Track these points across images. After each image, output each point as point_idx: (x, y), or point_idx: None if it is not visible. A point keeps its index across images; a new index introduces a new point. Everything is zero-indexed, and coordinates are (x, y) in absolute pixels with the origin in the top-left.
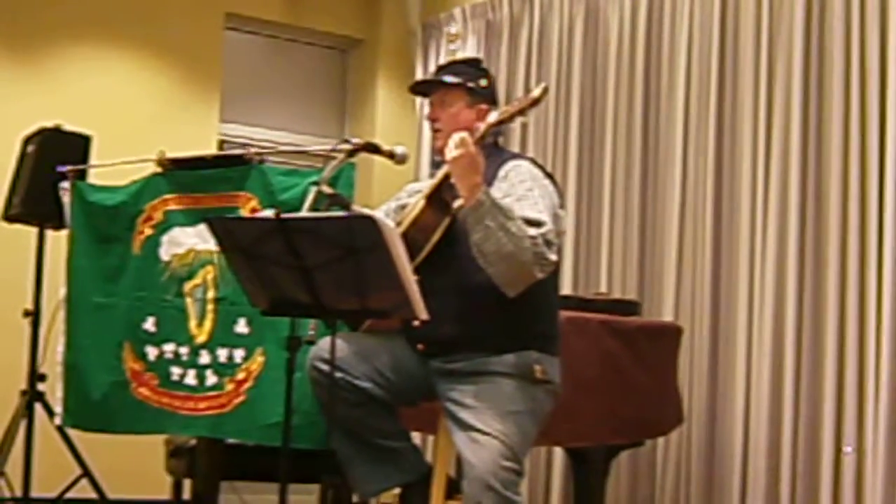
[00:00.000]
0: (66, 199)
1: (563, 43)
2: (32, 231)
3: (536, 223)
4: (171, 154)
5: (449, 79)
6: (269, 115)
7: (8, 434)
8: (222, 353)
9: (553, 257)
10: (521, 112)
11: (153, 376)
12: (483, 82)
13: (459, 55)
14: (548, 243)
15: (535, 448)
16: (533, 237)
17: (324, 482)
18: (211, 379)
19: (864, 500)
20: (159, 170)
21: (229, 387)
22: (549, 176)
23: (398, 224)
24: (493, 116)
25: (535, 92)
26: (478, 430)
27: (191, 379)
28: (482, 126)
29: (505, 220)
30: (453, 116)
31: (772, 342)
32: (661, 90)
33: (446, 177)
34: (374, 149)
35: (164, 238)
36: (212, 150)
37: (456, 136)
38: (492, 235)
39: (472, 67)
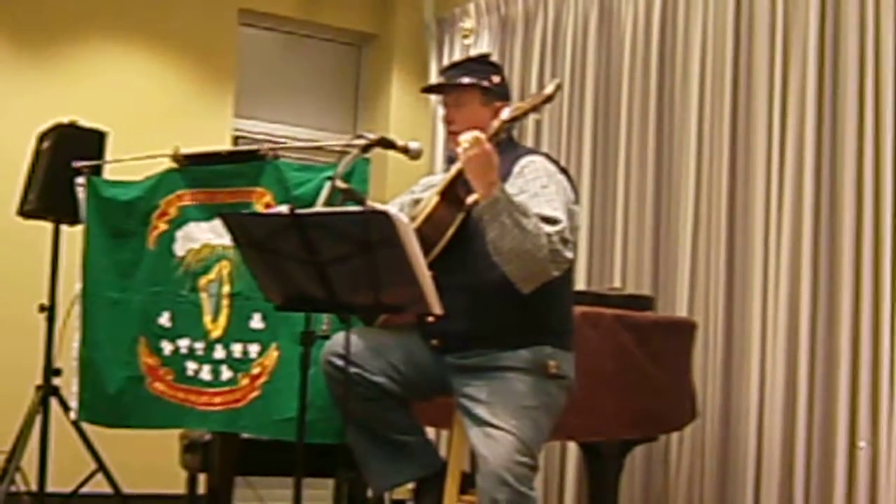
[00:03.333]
0: (81, 194)
1: (577, 38)
2: (48, 227)
3: (552, 221)
4: (185, 149)
5: (463, 80)
6: (284, 110)
7: (23, 429)
8: (237, 348)
9: (569, 255)
10: (535, 109)
11: (168, 371)
12: (496, 79)
13: (473, 51)
14: (564, 241)
15: (549, 443)
16: (549, 234)
17: (338, 477)
18: (226, 374)
19: (878, 495)
20: (174, 165)
21: (244, 382)
22: (564, 171)
23: (411, 220)
24: (505, 113)
25: (549, 89)
26: (492, 425)
27: (206, 374)
28: (495, 123)
29: (521, 218)
30: (469, 117)
31: (786, 337)
32: (675, 86)
33: (460, 173)
34: (388, 144)
35: (179, 233)
36: (226, 145)
37: (468, 135)
38: (508, 233)
39: (483, 64)
